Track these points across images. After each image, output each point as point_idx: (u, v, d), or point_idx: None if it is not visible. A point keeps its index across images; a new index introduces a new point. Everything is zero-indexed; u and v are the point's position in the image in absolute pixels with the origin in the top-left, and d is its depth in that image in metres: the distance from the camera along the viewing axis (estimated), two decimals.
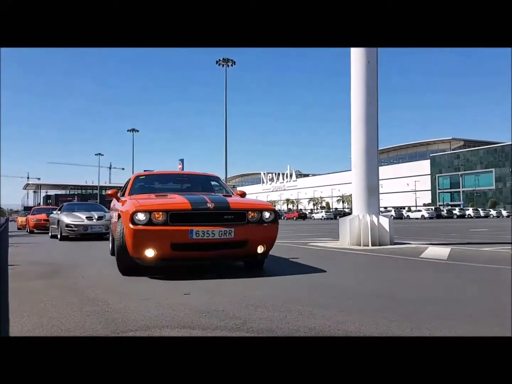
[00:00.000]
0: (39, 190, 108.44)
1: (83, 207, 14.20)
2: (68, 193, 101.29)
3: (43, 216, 17.53)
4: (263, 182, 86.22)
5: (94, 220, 12.10)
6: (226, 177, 59.02)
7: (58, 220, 12.25)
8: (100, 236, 11.90)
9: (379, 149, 7.33)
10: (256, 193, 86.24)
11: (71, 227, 11.72)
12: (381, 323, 2.48)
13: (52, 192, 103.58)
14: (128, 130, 71.91)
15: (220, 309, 2.93)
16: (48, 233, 15.14)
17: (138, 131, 73.08)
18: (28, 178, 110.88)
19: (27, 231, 18.84)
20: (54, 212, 13.92)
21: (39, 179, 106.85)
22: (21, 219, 24.19)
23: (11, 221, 54.37)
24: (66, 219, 11.92)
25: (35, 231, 17.43)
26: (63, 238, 11.83)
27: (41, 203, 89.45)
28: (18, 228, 23.12)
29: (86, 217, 12.11)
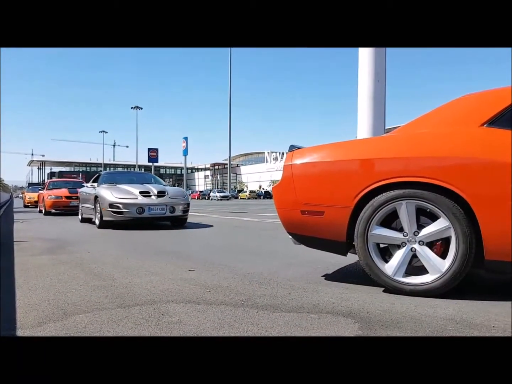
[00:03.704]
0: (43, 167, 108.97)
1: (129, 177, 9.83)
2: (72, 170, 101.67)
3: (63, 192, 13.46)
4: (266, 161, 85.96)
5: (153, 198, 7.88)
6: (230, 156, 58.96)
7: (96, 197, 8.12)
8: (159, 221, 8.41)
9: (386, 128, 7.24)
10: (259, 172, 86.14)
11: (118, 208, 7.59)
12: (385, 300, 2.50)
13: (56, 169, 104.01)
14: (132, 108, 71.77)
15: (224, 285, 2.95)
16: (70, 214, 12.71)
17: (142, 108, 72.91)
18: (32, 154, 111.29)
19: (40, 211, 14.69)
20: (88, 185, 9.56)
21: (43, 155, 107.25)
22: (29, 195, 20.76)
23: (15, 197, 54.94)
24: (110, 195, 7.74)
25: (53, 211, 13.25)
26: (104, 225, 7.82)
27: (46, 180, 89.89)
28: (25, 206, 20.71)
29: (141, 193, 7.90)
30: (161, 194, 8.01)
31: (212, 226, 8.54)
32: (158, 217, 7.89)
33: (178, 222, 8.35)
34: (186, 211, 8.26)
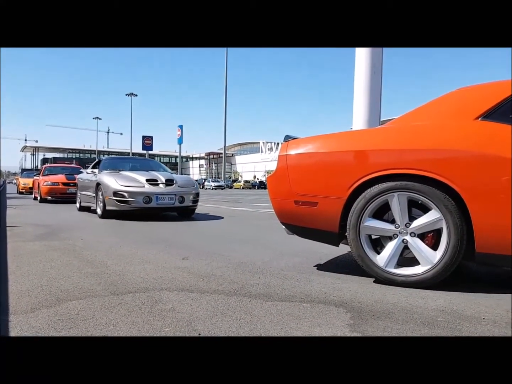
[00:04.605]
0: (36, 153, 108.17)
1: (132, 163, 9.09)
2: (66, 156, 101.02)
3: (60, 178, 12.90)
4: (261, 152, 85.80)
5: (161, 186, 7.34)
6: (224, 146, 58.80)
7: (98, 184, 7.55)
8: (166, 211, 7.68)
9: (381, 120, 7.25)
10: (254, 162, 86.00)
11: (123, 197, 7.00)
12: (377, 290, 2.52)
13: (49, 155, 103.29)
14: (126, 94, 71.21)
15: (218, 274, 2.96)
16: (67, 201, 12.13)
17: (136, 95, 72.40)
18: (25, 140, 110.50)
19: (35, 198, 14.05)
20: (87, 171, 8.85)
21: (36, 141, 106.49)
22: (23, 181, 19.68)
23: (9, 183, 54.48)
24: (114, 182, 7.16)
25: (49, 198, 12.61)
26: (107, 214, 7.27)
27: (39, 166, 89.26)
28: (19, 192, 19.58)
29: (147, 181, 7.34)
30: (169, 182, 7.46)
31: (222, 218, 7.99)
32: (166, 207, 7.29)
33: (186, 213, 7.81)
34: (195, 201, 7.72)
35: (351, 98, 7.31)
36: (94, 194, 7.86)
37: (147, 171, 8.06)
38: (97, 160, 9.28)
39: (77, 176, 10.03)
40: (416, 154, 2.56)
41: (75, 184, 10.19)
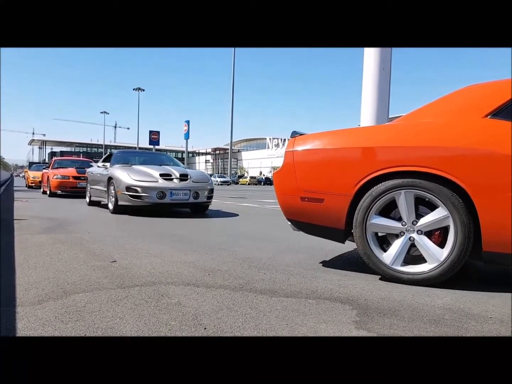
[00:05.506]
0: (44, 146, 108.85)
1: (144, 158, 8.90)
2: (73, 150, 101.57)
3: (71, 171, 12.51)
4: (268, 148, 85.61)
5: (176, 181, 7.11)
6: (231, 142, 58.78)
7: (110, 179, 7.33)
8: (180, 207, 7.56)
9: (389, 117, 7.19)
10: (260, 158, 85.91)
11: (137, 191, 6.79)
12: (383, 288, 2.51)
13: (57, 149, 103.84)
14: (134, 89, 71.41)
15: (224, 269, 2.96)
16: (77, 196, 11.95)
17: (144, 90, 72.55)
18: (33, 134, 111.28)
19: (44, 192, 13.63)
20: (98, 165, 8.76)
21: (44, 135, 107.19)
22: (33, 174, 18.46)
23: (16, 176, 54.84)
24: (127, 177, 6.94)
25: (59, 192, 12.27)
26: (119, 210, 7.08)
27: (46, 159, 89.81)
28: (29, 187, 18.42)
29: (161, 175, 7.11)
30: (183, 177, 7.22)
31: (237, 215, 7.62)
32: (180, 203, 7.11)
33: (200, 209, 7.67)
34: (210, 197, 7.57)
35: (359, 94, 7.26)
36: (105, 189, 7.68)
37: (160, 165, 7.87)
38: (108, 153, 9.06)
39: (88, 170, 9.77)
40: (424, 151, 2.55)
41: (86, 178, 9.83)
